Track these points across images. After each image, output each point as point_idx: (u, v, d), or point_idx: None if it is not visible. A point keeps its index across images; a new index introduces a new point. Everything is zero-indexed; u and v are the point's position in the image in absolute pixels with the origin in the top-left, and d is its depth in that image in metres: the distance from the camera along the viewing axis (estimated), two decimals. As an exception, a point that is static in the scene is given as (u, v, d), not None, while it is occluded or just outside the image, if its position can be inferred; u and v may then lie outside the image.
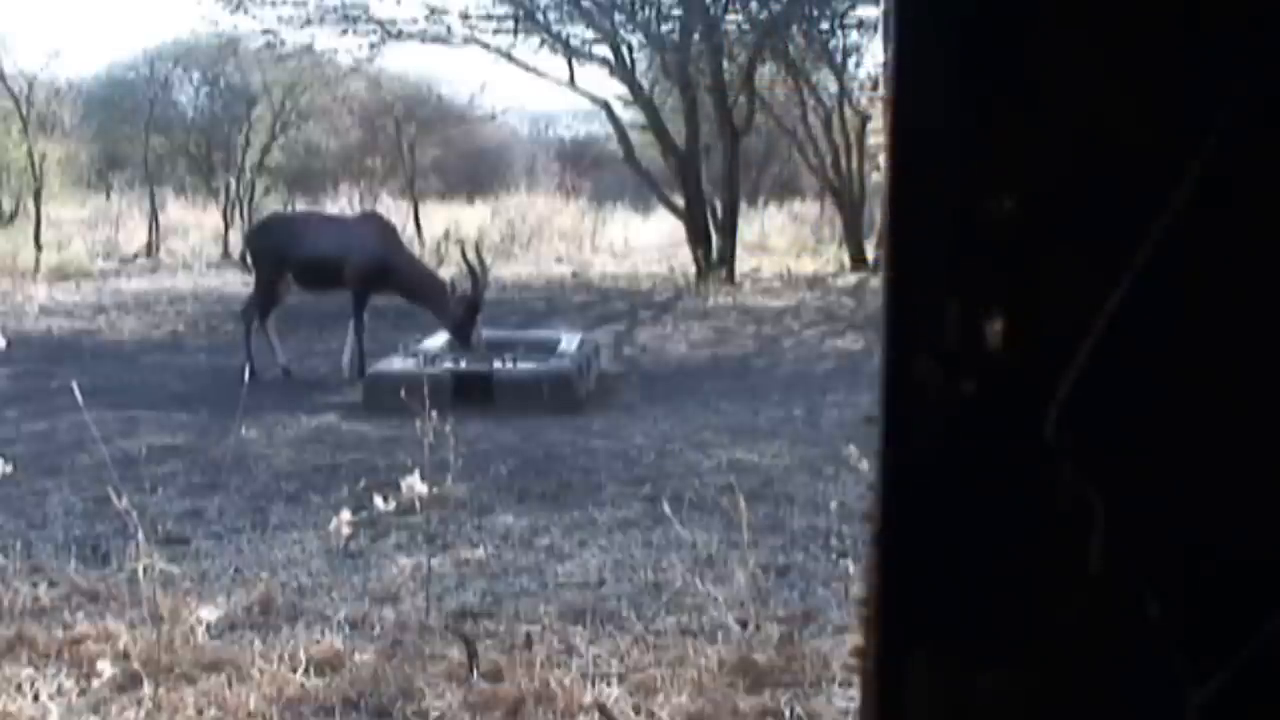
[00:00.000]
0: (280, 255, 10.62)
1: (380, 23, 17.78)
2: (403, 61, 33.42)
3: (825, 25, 18.37)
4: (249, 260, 11.21)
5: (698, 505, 6.06)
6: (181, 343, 12.72)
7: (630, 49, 18.13)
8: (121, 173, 24.46)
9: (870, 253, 18.15)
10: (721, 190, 17.83)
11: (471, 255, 10.38)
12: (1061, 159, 0.75)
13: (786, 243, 21.90)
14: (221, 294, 15.06)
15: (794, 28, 18.00)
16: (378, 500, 4.83)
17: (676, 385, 10.40)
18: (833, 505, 5.75)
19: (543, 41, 17.98)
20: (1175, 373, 0.75)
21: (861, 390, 8.97)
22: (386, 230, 11.25)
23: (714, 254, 17.22)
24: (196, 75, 23.59)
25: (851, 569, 4.84)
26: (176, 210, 23.12)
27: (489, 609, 4.73)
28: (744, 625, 4.42)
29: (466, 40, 17.80)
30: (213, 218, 21.91)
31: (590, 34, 18.00)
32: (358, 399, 9.28)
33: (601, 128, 22.34)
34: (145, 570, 4.38)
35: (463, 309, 10.02)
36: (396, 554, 5.36)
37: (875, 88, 17.48)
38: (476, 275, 10.13)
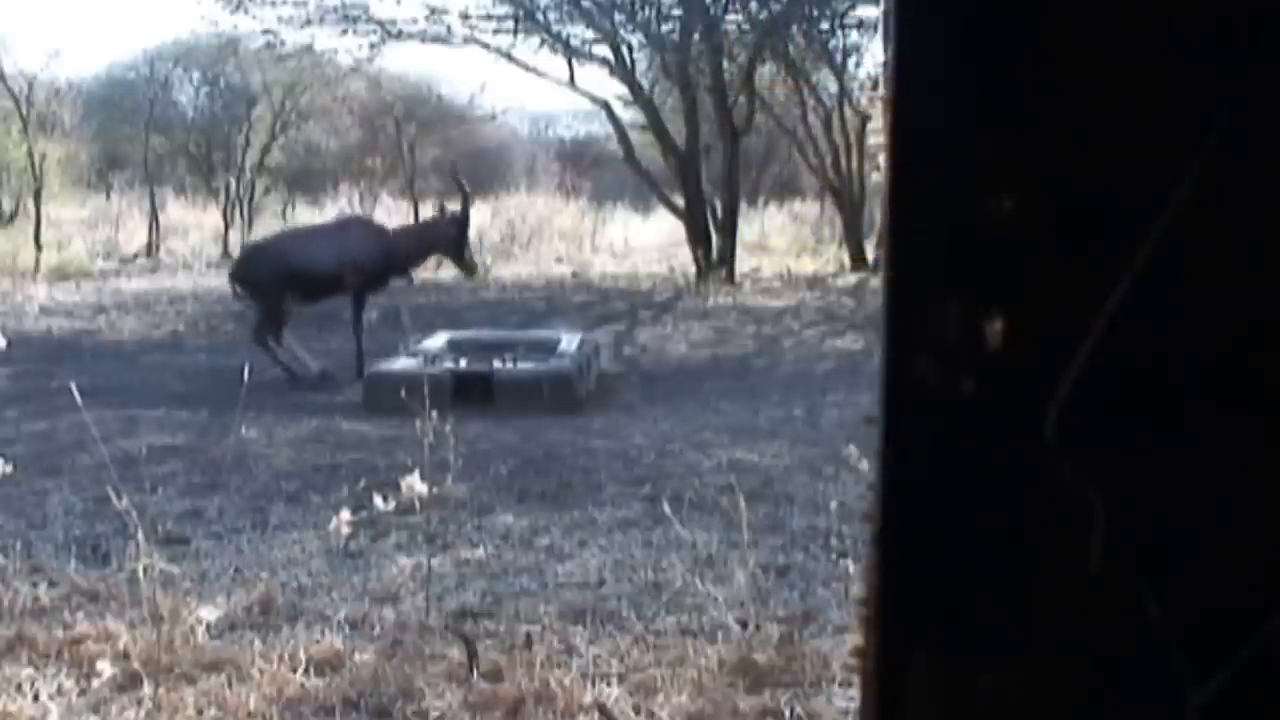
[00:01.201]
0: (275, 280, 10.44)
1: (380, 23, 17.78)
2: (403, 61, 33.50)
3: (825, 25, 18.37)
4: (239, 290, 10.96)
5: (698, 505, 6.05)
6: (181, 343, 12.72)
7: (630, 49, 18.14)
8: (121, 173, 24.47)
9: (870, 253, 18.14)
10: (721, 190, 17.82)
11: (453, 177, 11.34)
12: (1061, 159, 0.75)
13: (786, 243, 21.89)
14: (221, 294, 14.99)
15: (794, 28, 17.99)
16: (378, 500, 4.83)
17: (676, 385, 10.40)
18: (833, 505, 5.75)
19: (543, 41, 17.98)
20: (1175, 373, 0.75)
21: (861, 390, 8.97)
22: (371, 228, 11.60)
23: (714, 254, 17.21)
24: (196, 75, 23.62)
25: (851, 569, 4.83)
26: (176, 210, 23.14)
27: (489, 609, 4.72)
28: (744, 625, 4.42)
29: (466, 40, 17.80)
30: (213, 218, 21.92)
31: (590, 34, 18.00)
32: (358, 399, 9.28)
33: (601, 128, 22.34)
34: (145, 570, 4.38)
35: (454, 228, 10.89)
36: (396, 554, 5.35)
37: (875, 88, 17.46)
38: (465, 194, 10.98)
